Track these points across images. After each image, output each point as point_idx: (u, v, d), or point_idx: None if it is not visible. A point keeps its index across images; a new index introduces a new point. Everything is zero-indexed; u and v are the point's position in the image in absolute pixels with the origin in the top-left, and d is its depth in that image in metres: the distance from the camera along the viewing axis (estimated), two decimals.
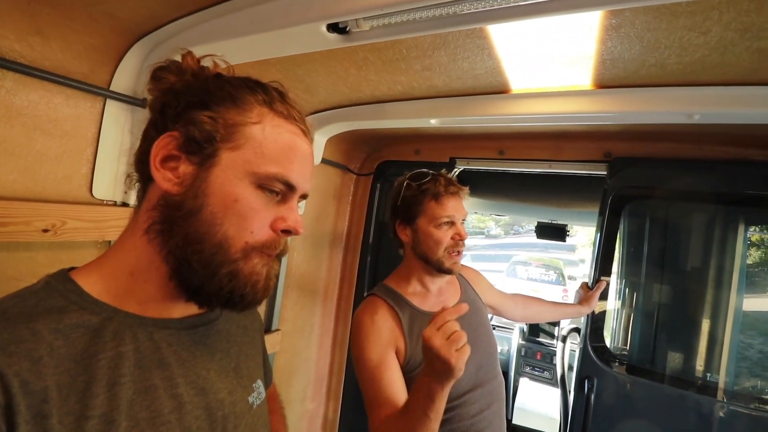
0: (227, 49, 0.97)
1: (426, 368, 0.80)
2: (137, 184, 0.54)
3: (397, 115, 1.47)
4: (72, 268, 0.51)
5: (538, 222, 3.01)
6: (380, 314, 1.05)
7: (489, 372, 1.09)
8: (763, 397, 1.52)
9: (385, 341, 1.01)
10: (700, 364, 1.59)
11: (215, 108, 0.49)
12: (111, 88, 1.04)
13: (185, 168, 0.48)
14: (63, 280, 0.48)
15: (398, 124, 1.55)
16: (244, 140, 0.49)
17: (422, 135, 1.94)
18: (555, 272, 9.20)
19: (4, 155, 0.86)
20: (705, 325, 1.59)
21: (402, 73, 1.19)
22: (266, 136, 0.50)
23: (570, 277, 9.74)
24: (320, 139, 1.72)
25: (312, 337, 2.11)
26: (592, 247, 1.75)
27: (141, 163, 0.51)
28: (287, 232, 0.52)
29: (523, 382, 2.99)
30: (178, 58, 0.56)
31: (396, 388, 0.96)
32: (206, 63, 0.58)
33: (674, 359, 1.62)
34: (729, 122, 1.14)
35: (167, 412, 0.47)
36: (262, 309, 1.76)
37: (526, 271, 9.30)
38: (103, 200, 1.06)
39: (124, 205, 1.10)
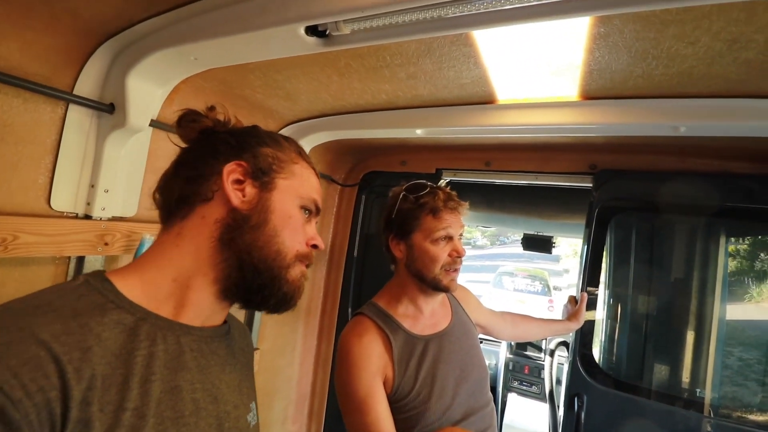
0: (201, 51, 0.92)
1: None
2: (176, 202, 0.59)
3: (382, 124, 1.43)
4: (102, 271, 0.55)
5: (525, 234, 2.99)
6: (368, 337, 0.98)
7: (481, 398, 1.03)
8: (748, 410, 1.50)
9: (373, 369, 0.94)
10: (686, 377, 1.57)
11: (271, 148, 0.62)
12: (74, 92, 0.97)
13: (250, 190, 0.58)
14: (101, 279, 0.51)
15: (383, 134, 1.51)
16: (290, 173, 0.62)
17: (408, 146, 1.90)
18: (540, 283, 9.23)
19: None
20: (693, 338, 1.57)
21: (386, 81, 1.15)
22: (302, 173, 0.63)
23: (555, 288, 9.79)
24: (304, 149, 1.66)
25: (294, 355, 2.02)
26: (577, 258, 1.73)
27: (194, 184, 0.57)
28: (315, 246, 0.64)
29: (511, 397, 2.92)
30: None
31: (383, 423, 0.89)
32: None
33: (665, 374, 1.59)
34: (714, 135, 1.14)
35: (188, 414, 0.51)
36: None
37: (512, 281, 9.30)
38: (63, 212, 0.99)
39: (87, 217, 1.02)
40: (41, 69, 0.91)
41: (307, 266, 0.64)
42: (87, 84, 0.99)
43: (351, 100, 1.34)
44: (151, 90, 1.04)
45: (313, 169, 0.67)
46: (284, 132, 1.62)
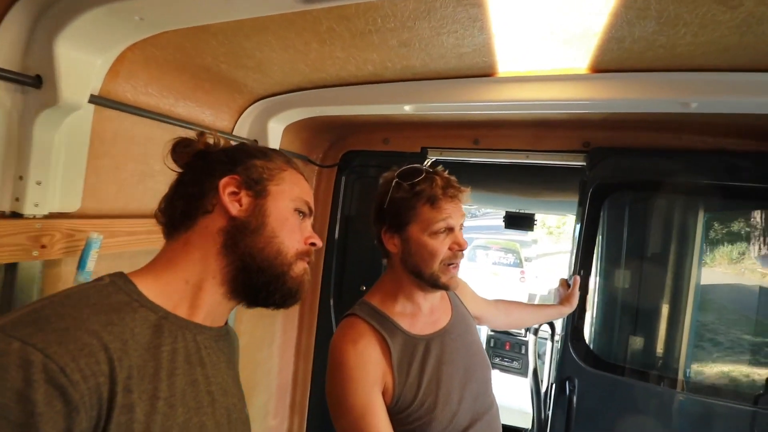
0: (147, 9, 0.74)
1: None
2: (180, 216, 0.63)
3: (367, 100, 1.28)
4: (123, 273, 0.58)
5: (507, 212, 2.94)
6: (363, 342, 0.87)
7: (485, 400, 0.96)
8: (722, 387, 1.54)
9: (371, 380, 0.84)
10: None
11: (261, 159, 0.67)
12: None
13: (246, 199, 0.63)
14: (125, 280, 0.55)
15: (367, 110, 1.36)
16: (280, 179, 0.67)
17: (392, 122, 1.76)
18: (513, 255, 9.44)
19: None
20: (685, 319, 1.57)
21: (374, 49, 1.00)
22: (291, 178, 0.68)
23: (526, 259, 10.05)
24: (276, 127, 1.49)
25: (273, 348, 1.90)
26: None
27: (194, 199, 0.62)
28: (313, 244, 0.68)
29: (493, 374, 2.97)
30: None
31: None
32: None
33: (656, 356, 1.60)
34: (725, 111, 1.07)
35: (206, 405, 0.57)
36: None
37: (486, 255, 9.46)
38: None
39: (16, 216, 0.84)
40: None
41: (308, 263, 0.68)
42: (4, 52, 0.78)
43: (332, 72, 1.18)
44: (87, 59, 0.85)
45: (302, 174, 0.72)
46: (254, 108, 1.44)
